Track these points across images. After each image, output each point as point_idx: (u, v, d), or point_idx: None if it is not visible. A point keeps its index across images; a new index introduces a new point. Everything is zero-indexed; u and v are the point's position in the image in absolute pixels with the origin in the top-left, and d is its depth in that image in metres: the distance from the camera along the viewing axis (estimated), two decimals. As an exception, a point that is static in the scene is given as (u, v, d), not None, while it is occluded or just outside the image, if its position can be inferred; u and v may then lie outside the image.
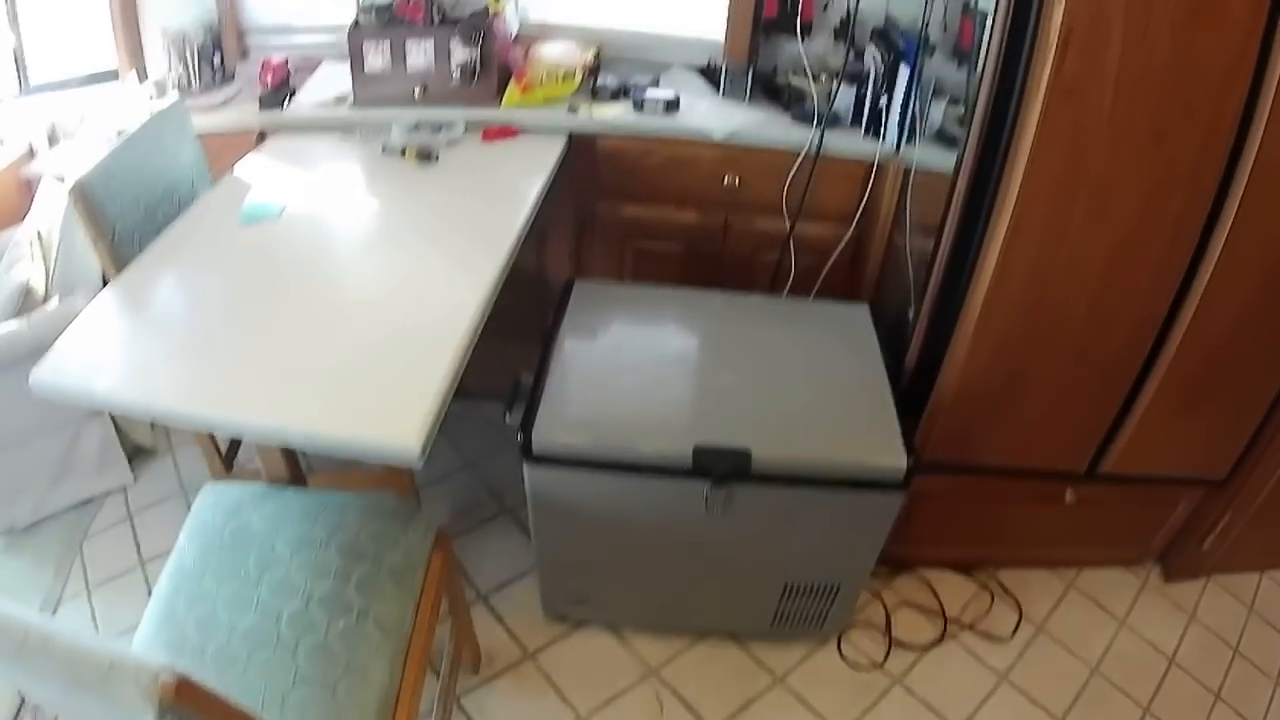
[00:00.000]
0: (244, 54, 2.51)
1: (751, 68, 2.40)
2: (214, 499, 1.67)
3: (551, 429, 1.69)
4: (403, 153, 2.13)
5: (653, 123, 2.26)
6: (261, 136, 2.24)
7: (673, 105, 2.28)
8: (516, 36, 2.45)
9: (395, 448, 1.34)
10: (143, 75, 2.42)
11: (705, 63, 2.51)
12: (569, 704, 2.01)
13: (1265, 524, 2.21)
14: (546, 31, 2.51)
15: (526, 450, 1.68)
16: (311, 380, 1.46)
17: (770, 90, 2.44)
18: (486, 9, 2.28)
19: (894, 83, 2.23)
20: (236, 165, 2.07)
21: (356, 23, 2.24)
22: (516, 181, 2.04)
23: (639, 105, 2.28)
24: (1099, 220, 1.61)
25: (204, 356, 1.51)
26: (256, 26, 2.54)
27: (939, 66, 2.35)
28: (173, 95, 2.24)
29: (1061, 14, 1.40)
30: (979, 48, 2.26)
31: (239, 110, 2.28)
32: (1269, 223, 1.60)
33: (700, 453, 1.66)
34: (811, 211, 2.34)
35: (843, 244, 2.38)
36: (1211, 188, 1.58)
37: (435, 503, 2.50)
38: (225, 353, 1.51)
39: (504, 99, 2.28)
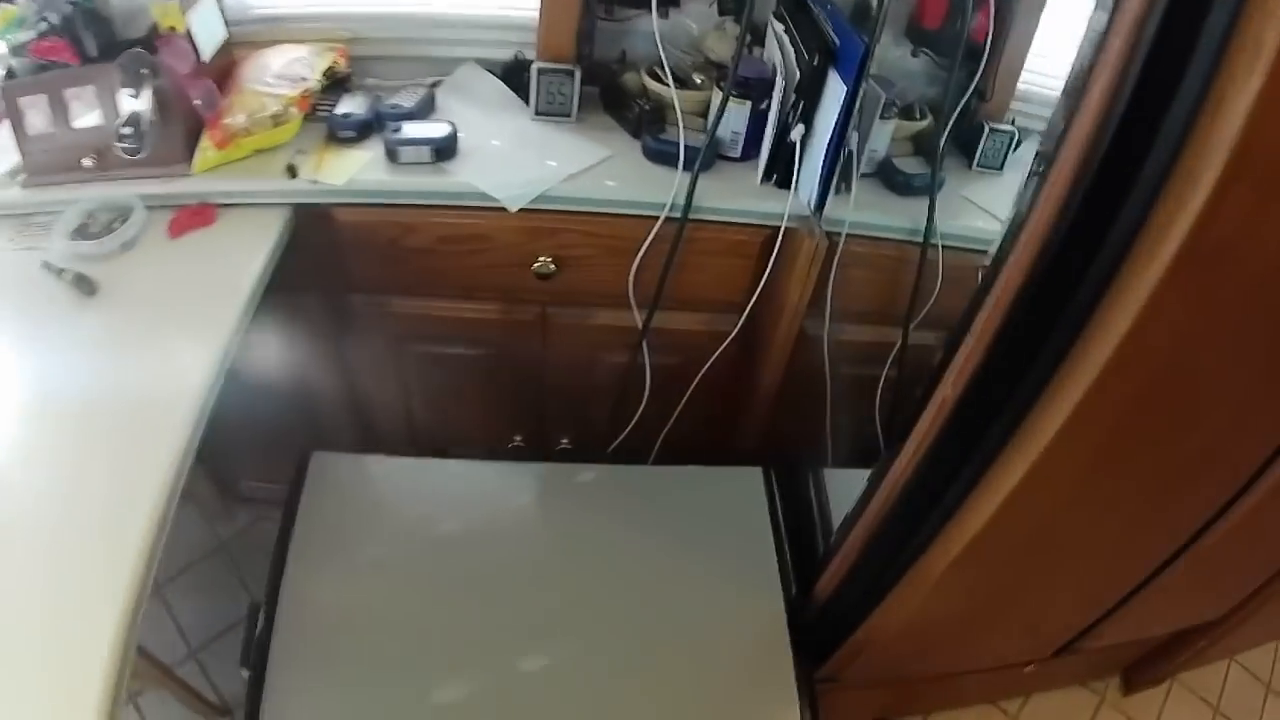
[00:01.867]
0: None
1: (581, 67, 1.51)
2: None
3: None
4: (62, 274, 1.30)
5: (412, 183, 1.41)
6: None
7: (444, 150, 1.40)
8: (228, 46, 1.53)
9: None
10: None
11: (511, 56, 1.60)
12: None
13: (1244, 636, 1.88)
14: (275, 30, 1.59)
15: None
16: None
17: (614, 100, 1.56)
18: (154, 29, 1.38)
19: (818, 95, 1.36)
20: None
21: (11, 72, 1.39)
22: (207, 304, 1.26)
23: (393, 154, 1.40)
24: (1175, 439, 0.99)
25: None
26: None
27: (882, 53, 1.51)
28: None
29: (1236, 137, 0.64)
30: (956, 31, 1.41)
31: None
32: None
33: None
34: (677, 298, 1.52)
35: (725, 343, 1.58)
36: None
37: (225, 662, 1.94)
38: None
39: (196, 163, 1.40)
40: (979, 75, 1.55)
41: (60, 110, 1.39)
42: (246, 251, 1.34)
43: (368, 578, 1.32)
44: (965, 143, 1.65)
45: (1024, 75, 1.65)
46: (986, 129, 1.63)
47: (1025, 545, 1.15)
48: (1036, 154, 0.86)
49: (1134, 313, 0.76)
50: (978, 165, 1.66)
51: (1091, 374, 0.83)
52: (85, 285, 1.28)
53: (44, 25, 1.33)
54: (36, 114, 1.40)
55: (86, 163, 1.41)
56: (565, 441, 1.79)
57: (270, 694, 1.17)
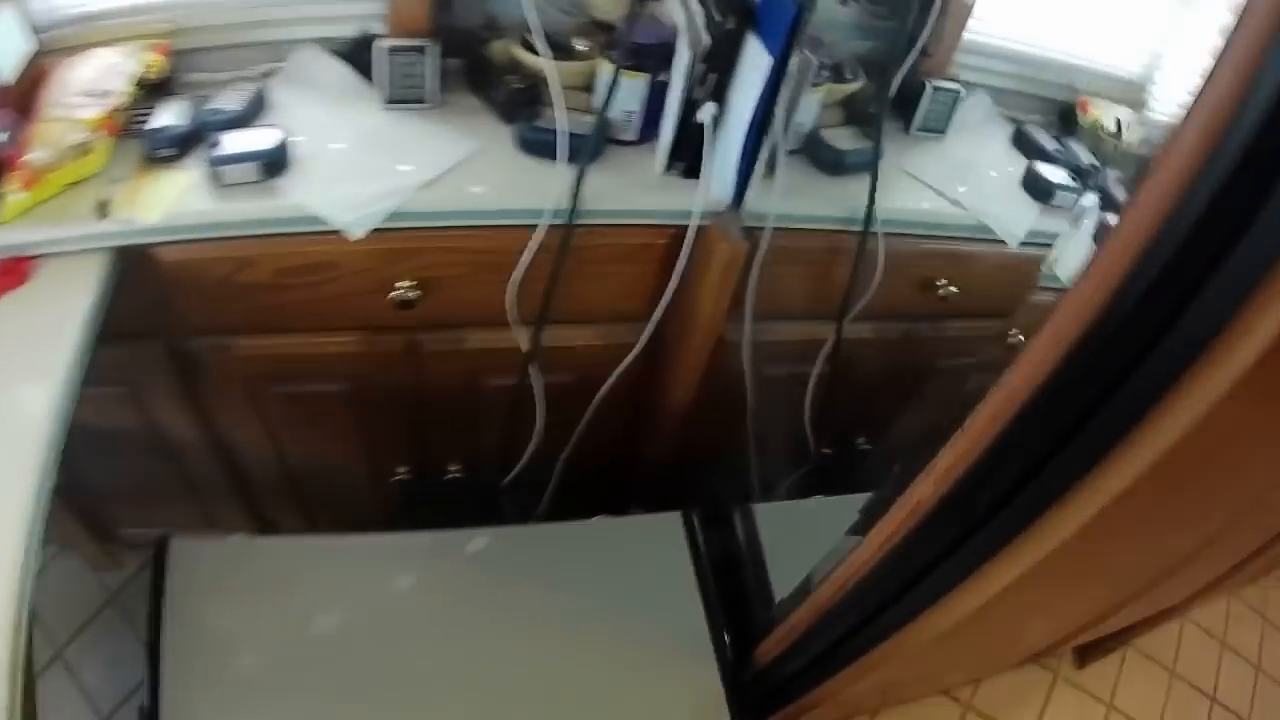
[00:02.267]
0: None
1: (438, 41, 1.24)
2: None
3: None
4: None
5: (240, 210, 1.13)
6: None
7: (274, 164, 1.13)
8: (36, 58, 1.22)
9: None
10: None
11: (357, 33, 1.32)
12: None
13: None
14: (89, 33, 1.29)
15: None
16: None
17: (480, 77, 1.30)
18: None
19: (733, 68, 1.11)
20: None
21: None
22: (31, 374, 1.03)
23: (215, 175, 1.12)
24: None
25: None
26: None
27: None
28: None
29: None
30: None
31: None
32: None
33: None
34: (569, 314, 1.29)
35: (623, 364, 1.34)
36: None
37: None
38: None
39: (3, 211, 1.11)
40: (927, 27, 1.32)
41: None
42: (68, 306, 1.09)
43: (251, 688, 1.12)
44: (902, 102, 1.42)
45: (969, 23, 1.42)
46: (929, 88, 1.41)
47: (1015, 617, 0.97)
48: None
49: (1190, 420, 0.55)
50: (917, 129, 1.43)
51: (1124, 482, 0.62)
52: None
53: None
54: None
55: None
56: (455, 469, 1.57)
57: None
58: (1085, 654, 2.04)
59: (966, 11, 1.39)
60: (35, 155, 1.13)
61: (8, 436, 0.95)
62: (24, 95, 1.19)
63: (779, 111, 1.11)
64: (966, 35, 1.43)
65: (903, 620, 0.92)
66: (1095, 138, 1.55)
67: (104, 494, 1.60)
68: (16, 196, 1.12)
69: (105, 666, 1.83)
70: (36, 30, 1.23)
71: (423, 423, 1.46)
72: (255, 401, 1.40)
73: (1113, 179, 1.44)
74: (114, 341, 1.12)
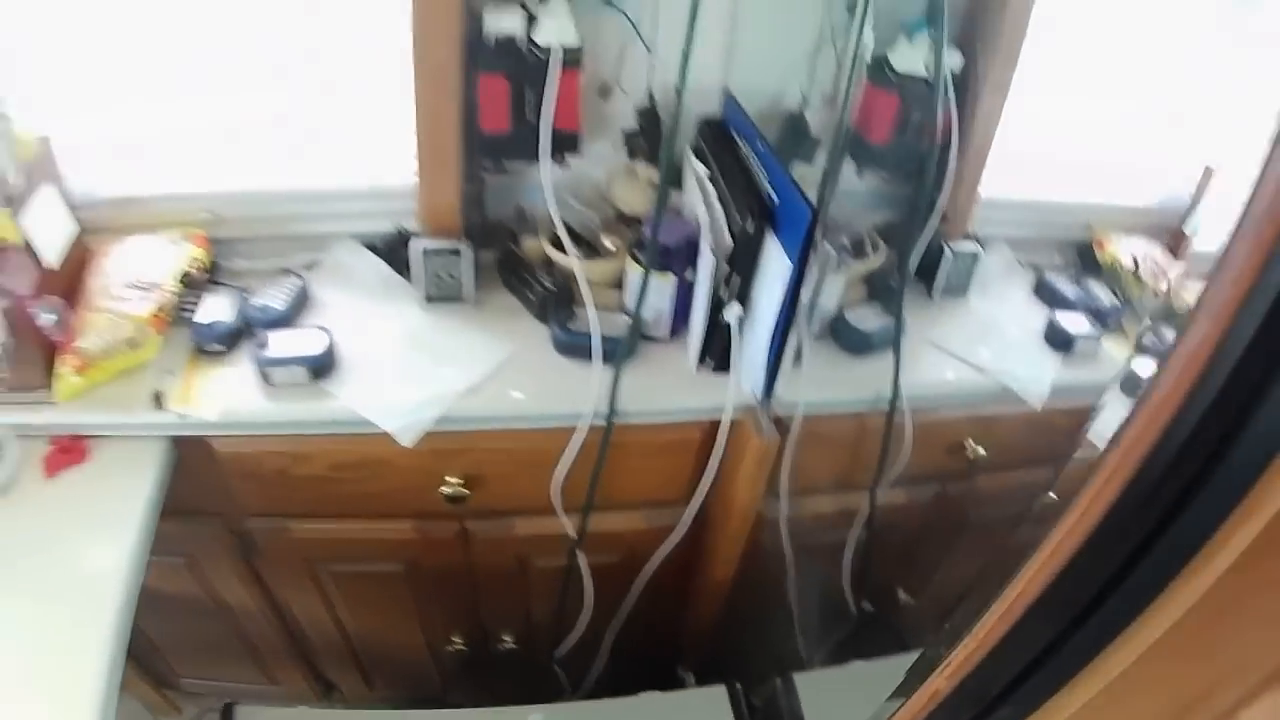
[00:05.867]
0: None
1: (471, 240, 1.35)
2: None
3: None
4: None
5: (292, 411, 1.24)
6: None
7: (322, 369, 1.25)
8: (80, 238, 1.34)
9: None
10: None
11: (392, 229, 1.44)
12: None
13: None
14: (129, 211, 1.41)
15: None
16: None
17: (513, 272, 1.41)
18: None
19: (755, 268, 1.21)
20: None
21: None
22: (98, 544, 1.15)
23: (265, 375, 1.24)
24: None
25: None
26: None
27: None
28: None
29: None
30: (911, 143, 1.28)
31: None
32: None
33: None
34: (613, 501, 1.39)
35: (671, 540, 1.44)
36: None
37: None
38: None
39: (58, 390, 1.23)
40: (944, 192, 1.42)
41: None
42: (128, 487, 1.21)
43: None
44: (923, 269, 1.52)
45: (985, 185, 1.52)
46: (948, 252, 1.50)
47: None
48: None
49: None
50: (940, 294, 1.53)
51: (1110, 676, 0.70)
52: None
53: None
54: None
55: None
56: (508, 640, 1.67)
57: None
58: None
59: (980, 170, 1.49)
60: (87, 343, 1.25)
61: (85, 601, 1.07)
62: (69, 278, 1.30)
63: (802, 307, 1.21)
64: (981, 191, 1.52)
65: None
66: (1115, 275, 1.64)
67: (165, 648, 1.71)
68: (71, 380, 1.24)
69: None
70: (74, 208, 1.34)
71: (476, 600, 1.57)
72: (313, 577, 1.51)
73: (1138, 315, 1.53)
74: (173, 517, 1.22)
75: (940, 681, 0.89)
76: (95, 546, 1.15)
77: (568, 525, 1.38)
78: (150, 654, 1.72)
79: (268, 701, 1.79)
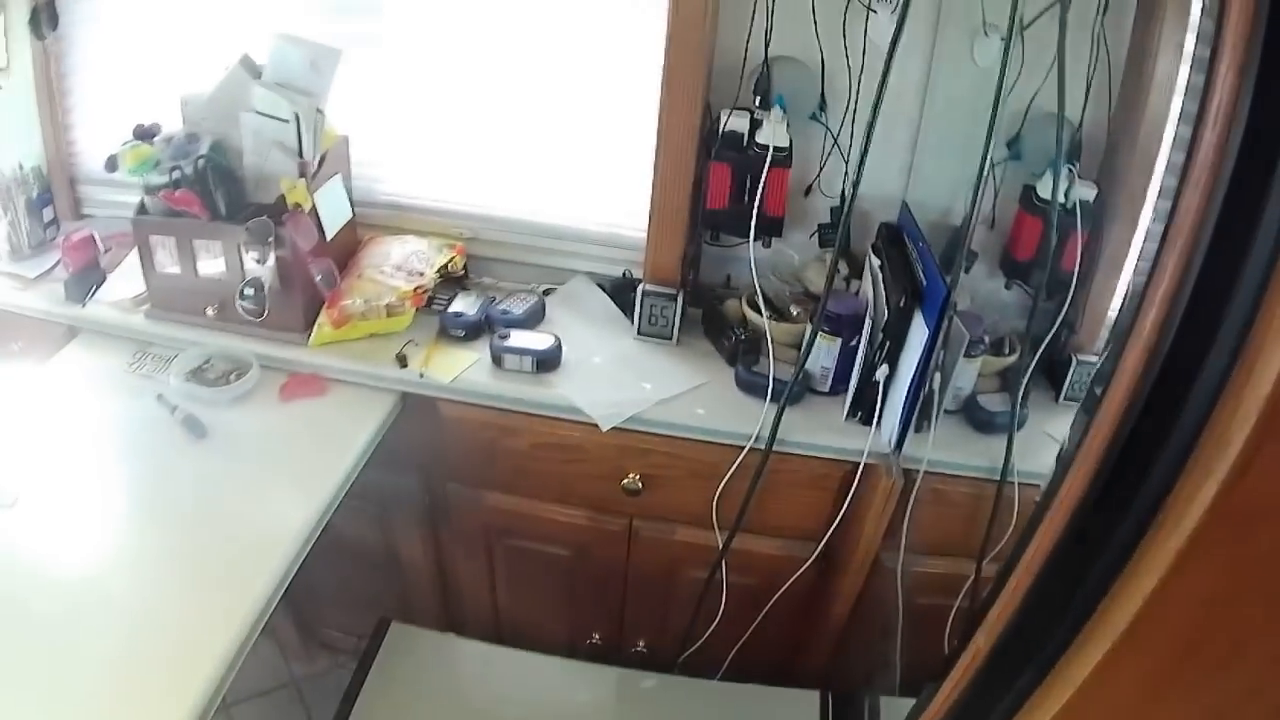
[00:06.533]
0: (76, 209, 2.00)
1: (685, 291, 1.71)
2: None
3: None
4: (175, 410, 1.56)
5: (512, 389, 1.61)
6: (74, 331, 1.76)
7: (547, 363, 1.62)
8: (353, 223, 1.80)
9: None
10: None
11: (619, 274, 1.82)
12: None
13: None
14: (399, 214, 1.85)
15: None
16: None
17: (714, 324, 1.75)
18: (283, 199, 1.63)
19: (903, 335, 1.52)
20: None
21: (143, 206, 1.64)
22: (309, 468, 1.47)
23: (497, 359, 1.62)
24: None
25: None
26: (89, 175, 1.98)
27: (975, 285, 1.65)
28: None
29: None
30: (1049, 264, 1.55)
31: (48, 293, 1.78)
32: None
33: None
34: (757, 523, 1.66)
35: (801, 570, 1.71)
36: None
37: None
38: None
39: (313, 337, 1.65)
40: (1066, 306, 1.68)
41: (188, 256, 1.65)
42: (352, 427, 1.56)
43: None
44: (1053, 375, 1.77)
45: (1114, 304, 1.76)
46: (1074, 360, 1.75)
47: None
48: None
49: (1157, 578, 0.85)
50: (1065, 399, 1.77)
51: (1113, 636, 0.92)
52: (195, 428, 1.53)
53: (177, 174, 1.56)
54: (164, 254, 1.67)
55: (209, 311, 1.67)
56: (641, 645, 1.93)
57: None
58: None
59: (1111, 294, 1.74)
60: (350, 302, 1.64)
61: (276, 521, 1.34)
62: (340, 254, 1.69)
63: (935, 374, 1.50)
64: (1111, 314, 1.74)
65: None
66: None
67: (321, 595, 2.03)
68: (326, 330, 1.63)
69: None
70: (355, 204, 1.75)
71: (623, 598, 1.85)
72: (487, 549, 1.84)
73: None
74: (379, 468, 1.54)
75: (980, 641, 1.14)
76: (301, 472, 1.46)
77: (718, 536, 1.68)
78: (303, 597, 2.03)
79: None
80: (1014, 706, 1.07)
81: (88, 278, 1.80)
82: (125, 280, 1.80)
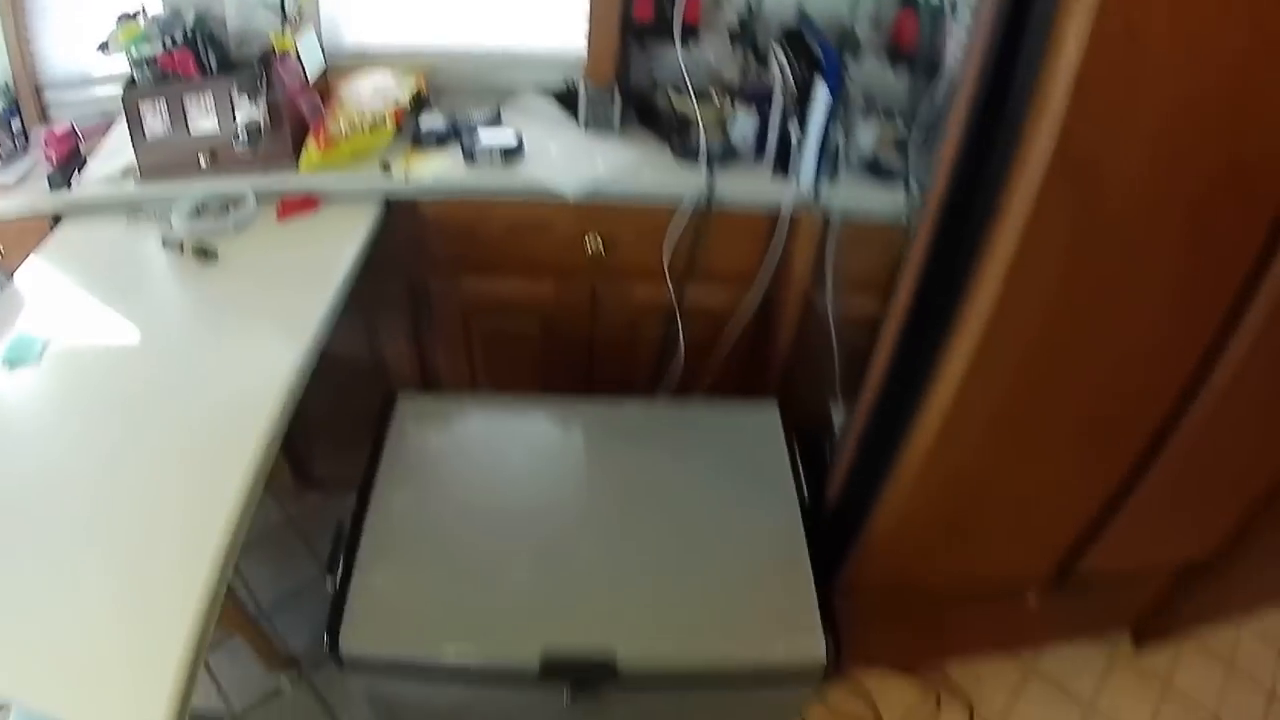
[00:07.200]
0: (43, 115, 2.12)
1: (620, 89, 2.00)
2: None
3: (363, 631, 1.43)
4: (182, 247, 1.76)
5: (487, 180, 1.87)
6: (57, 219, 1.90)
7: (513, 152, 1.89)
8: (325, 73, 2.04)
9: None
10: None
11: (562, 84, 2.10)
12: None
13: (1248, 582, 2.11)
14: (363, 60, 2.10)
15: (336, 657, 1.43)
16: (35, 625, 1.14)
17: (648, 115, 2.04)
18: (271, 50, 1.87)
19: (808, 102, 1.83)
20: (17, 272, 1.75)
21: (132, 80, 1.84)
22: (313, 271, 1.70)
23: (470, 155, 1.89)
24: (1100, 327, 1.32)
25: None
26: (53, 80, 2.11)
27: (869, 73, 1.97)
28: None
29: (1075, 62, 1.01)
30: (927, 50, 1.88)
31: (30, 191, 1.91)
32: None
33: (550, 662, 1.41)
34: (704, 274, 1.97)
35: (744, 314, 2.01)
36: (1232, 295, 1.32)
37: (294, 621, 2.28)
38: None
39: (302, 162, 1.90)
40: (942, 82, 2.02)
41: (179, 116, 1.84)
42: (345, 234, 1.79)
43: (442, 490, 1.67)
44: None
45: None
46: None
47: (995, 422, 1.45)
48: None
49: (1021, 223, 1.14)
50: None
51: (998, 279, 1.20)
52: (206, 254, 1.74)
53: (169, 41, 1.77)
54: (155, 120, 1.86)
55: (202, 162, 1.87)
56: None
57: (357, 575, 1.49)
58: (1140, 636, 2.32)
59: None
60: (335, 125, 1.87)
61: (281, 326, 1.54)
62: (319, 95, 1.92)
63: (840, 133, 1.82)
64: None
65: (907, 425, 1.47)
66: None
67: (311, 426, 2.18)
68: (313, 154, 1.86)
69: (271, 574, 2.36)
70: (325, 54, 2.00)
71: (590, 366, 2.13)
72: (465, 338, 2.11)
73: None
74: (367, 278, 1.76)
75: (903, 296, 1.44)
76: (305, 280, 1.67)
77: (671, 291, 1.98)
78: (294, 436, 2.20)
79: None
80: (937, 346, 1.38)
81: (70, 167, 1.94)
82: (106, 161, 1.97)
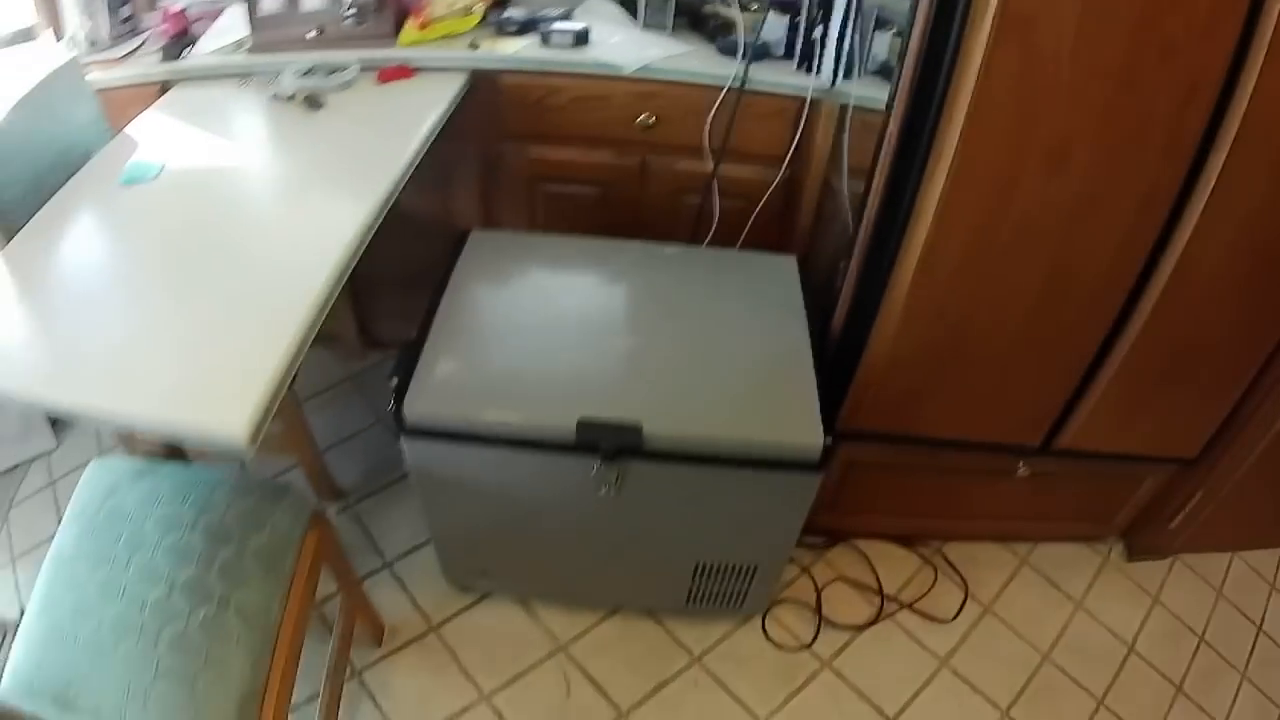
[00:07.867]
0: (152, 3, 2.50)
1: (673, -1, 2.37)
2: (95, 476, 1.72)
3: (425, 399, 1.69)
4: (291, 99, 2.16)
5: (559, 57, 2.25)
6: (165, 88, 2.27)
7: (582, 38, 2.28)
8: None
9: (223, 435, 1.35)
10: (60, 32, 2.41)
11: (627, -8, 2.49)
12: (473, 681, 2.10)
13: (1238, 504, 2.18)
14: None
15: (399, 422, 1.69)
16: (157, 356, 1.47)
17: (695, 20, 2.42)
18: None
19: (830, 11, 2.20)
20: (131, 123, 2.10)
21: None
22: (406, 122, 2.06)
23: (546, 39, 2.28)
24: (1056, 174, 1.52)
25: (60, 333, 1.52)
26: None
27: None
28: (70, 51, 2.25)
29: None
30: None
31: (141, 63, 2.29)
32: (1254, 185, 1.51)
33: (585, 427, 1.66)
34: (738, 153, 2.33)
35: (771, 188, 2.37)
36: (1191, 145, 1.49)
37: (346, 461, 2.55)
38: (80, 328, 1.52)
39: (400, 38, 2.30)
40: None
41: None
42: (435, 97, 2.17)
43: (502, 299, 1.96)
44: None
45: None
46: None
47: (964, 263, 1.64)
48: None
49: (977, 61, 1.39)
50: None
51: (963, 107, 1.45)
52: (314, 103, 2.12)
53: None
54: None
55: (310, 36, 2.24)
56: None
57: (422, 360, 1.75)
58: (1133, 548, 2.43)
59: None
60: (433, 8, 2.26)
61: (380, 163, 1.86)
62: None
63: (858, 37, 2.17)
64: None
65: (894, 255, 1.73)
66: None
67: (378, 283, 2.59)
68: (412, 31, 2.25)
69: (330, 419, 2.63)
70: None
71: (638, 226, 2.47)
72: (529, 199, 2.49)
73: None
74: (447, 140, 2.10)
75: (893, 127, 1.66)
76: (395, 130, 2.01)
77: (710, 160, 2.35)
78: (362, 294, 2.64)
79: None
80: (914, 196, 1.66)
81: (181, 42, 2.31)
82: (216, 38, 2.34)
